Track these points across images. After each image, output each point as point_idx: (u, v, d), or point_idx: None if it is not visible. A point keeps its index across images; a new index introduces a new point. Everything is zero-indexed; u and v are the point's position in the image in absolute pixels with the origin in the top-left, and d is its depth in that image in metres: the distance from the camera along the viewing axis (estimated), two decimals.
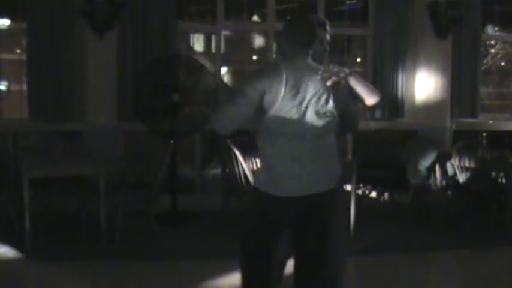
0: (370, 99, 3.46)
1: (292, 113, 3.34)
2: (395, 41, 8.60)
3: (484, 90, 9.58)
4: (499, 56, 13.26)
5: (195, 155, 8.42)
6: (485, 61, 10.42)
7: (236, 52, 10.93)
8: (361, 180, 7.14)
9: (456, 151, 7.42)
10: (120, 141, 7.88)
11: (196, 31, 9.40)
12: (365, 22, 8.98)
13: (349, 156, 8.37)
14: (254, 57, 16.94)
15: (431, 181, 7.46)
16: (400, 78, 8.66)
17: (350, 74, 3.37)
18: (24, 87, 8.08)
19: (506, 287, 5.56)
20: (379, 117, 8.67)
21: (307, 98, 3.36)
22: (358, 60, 9.81)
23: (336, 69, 3.33)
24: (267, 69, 3.59)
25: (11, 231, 6.46)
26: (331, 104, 3.42)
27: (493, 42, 11.10)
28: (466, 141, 7.66)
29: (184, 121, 7.41)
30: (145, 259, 5.98)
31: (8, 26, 8.44)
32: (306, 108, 3.36)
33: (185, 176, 8.26)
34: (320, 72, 3.33)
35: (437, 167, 7.38)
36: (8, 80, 8.94)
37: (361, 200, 7.24)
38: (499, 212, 7.29)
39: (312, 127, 3.37)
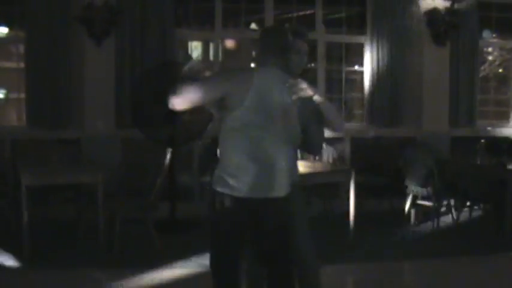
0: (338, 127, 3.67)
1: (255, 120, 3.44)
2: (393, 48, 8.61)
3: (481, 97, 9.57)
4: (496, 62, 13.28)
5: (193, 162, 8.40)
6: (482, 68, 10.42)
7: (234, 59, 10.89)
8: (360, 186, 7.10)
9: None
10: (118, 149, 7.89)
11: (194, 38, 9.40)
12: (363, 30, 8.99)
13: (348, 163, 8.38)
14: (252, 65, 16.89)
15: (429, 187, 7.44)
16: (399, 85, 8.66)
17: (316, 94, 3.52)
18: (22, 95, 8.08)
19: None
20: (378, 124, 8.67)
21: (272, 107, 3.46)
22: (356, 68, 9.80)
23: (303, 86, 3.46)
24: (236, 74, 3.62)
25: (9, 239, 6.44)
26: (294, 116, 3.54)
27: (490, 49, 11.11)
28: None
29: (183, 128, 7.39)
30: (144, 266, 5.96)
31: (6, 34, 8.44)
32: (269, 117, 3.45)
33: (183, 183, 8.23)
34: (287, 84, 3.45)
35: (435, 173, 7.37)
36: (6, 88, 8.92)
37: (360, 206, 7.20)
38: (497, 218, 7.29)
39: (274, 135, 3.48)
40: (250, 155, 3.44)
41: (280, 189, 3.54)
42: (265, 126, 3.46)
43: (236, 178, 3.44)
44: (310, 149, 3.88)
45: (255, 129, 3.46)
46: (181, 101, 3.59)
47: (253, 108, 3.43)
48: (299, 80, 3.51)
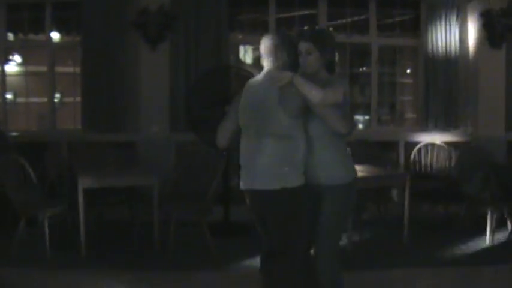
0: (314, 97, 3.79)
1: (243, 120, 4.08)
2: (448, 51, 8.49)
3: None
4: None
5: None
6: None
7: None
8: (415, 191, 7.02)
9: None
10: (173, 152, 7.95)
11: (247, 43, 9.42)
12: (417, 32, 8.90)
13: (402, 169, 8.31)
14: None
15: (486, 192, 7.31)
16: (453, 89, 8.54)
17: (292, 77, 3.82)
18: (77, 98, 8.20)
19: None
20: (433, 128, 8.57)
21: (255, 105, 3.95)
22: (408, 71, 9.71)
23: (278, 74, 3.87)
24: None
25: (66, 240, 6.54)
26: (280, 106, 3.85)
27: None
28: None
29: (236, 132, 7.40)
30: (199, 269, 5.99)
31: (62, 39, 8.58)
32: (252, 114, 3.99)
33: (237, 186, 8.22)
34: (267, 78, 3.94)
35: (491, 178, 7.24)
36: (62, 92, 9.08)
37: (414, 211, 7.11)
38: None
39: (256, 131, 3.95)
40: (242, 151, 4.12)
41: (264, 182, 3.92)
42: (248, 124, 4.02)
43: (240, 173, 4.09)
44: (334, 129, 3.94)
45: (244, 128, 4.10)
46: (221, 137, 4.52)
47: (242, 109, 4.09)
48: (281, 72, 3.90)
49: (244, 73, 7.77)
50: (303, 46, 3.99)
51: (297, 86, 3.80)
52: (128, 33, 7.87)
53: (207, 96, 7.40)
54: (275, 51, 4.00)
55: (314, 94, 3.77)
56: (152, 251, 6.35)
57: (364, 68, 9.83)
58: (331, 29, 9.06)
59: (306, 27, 4.66)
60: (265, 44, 4.08)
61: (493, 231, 7.02)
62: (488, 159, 7.44)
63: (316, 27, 4.33)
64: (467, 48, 8.51)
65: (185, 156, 7.62)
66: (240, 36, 8.74)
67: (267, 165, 3.90)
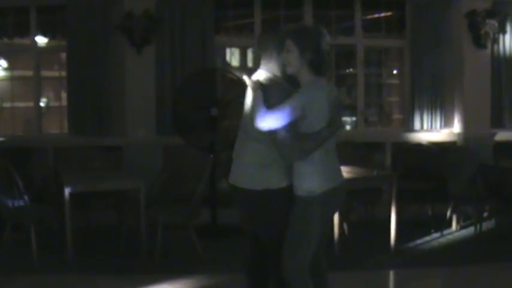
0: (256, 120, 3.69)
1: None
2: (433, 52, 8.52)
3: None
4: None
5: None
6: None
7: None
8: (401, 192, 7.03)
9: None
10: (159, 156, 7.94)
11: (233, 45, 9.43)
12: (402, 33, 8.92)
13: (389, 169, 8.33)
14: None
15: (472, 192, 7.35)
16: (439, 89, 8.58)
17: (251, 84, 3.81)
18: (64, 103, 8.19)
19: None
20: (419, 128, 8.61)
21: (246, 109, 3.92)
22: (395, 72, 9.74)
23: (251, 77, 3.86)
24: None
25: (53, 245, 6.52)
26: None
27: None
28: None
29: (223, 135, 7.41)
30: (186, 273, 5.98)
31: (48, 43, 8.55)
32: (243, 118, 3.98)
33: (224, 189, 8.23)
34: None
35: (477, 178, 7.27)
36: (48, 96, 9.05)
37: (402, 211, 7.13)
38: None
39: (242, 133, 4.00)
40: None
41: (241, 180, 3.92)
42: (241, 127, 4.01)
43: None
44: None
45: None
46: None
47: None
48: (255, 75, 3.91)
49: (230, 76, 7.78)
50: (285, 43, 3.84)
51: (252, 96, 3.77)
52: (113, 37, 7.87)
53: (193, 99, 7.40)
54: (269, 51, 3.93)
55: (257, 116, 3.69)
56: (139, 254, 6.32)
57: (350, 70, 9.85)
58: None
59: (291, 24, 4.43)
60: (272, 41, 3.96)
61: (479, 230, 7.07)
62: (475, 159, 7.46)
63: (300, 24, 4.13)
64: (453, 48, 8.54)
65: (172, 159, 7.61)
66: (226, 39, 8.73)
67: (246, 165, 3.91)
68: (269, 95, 3.72)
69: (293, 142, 3.70)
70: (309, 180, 3.78)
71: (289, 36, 3.82)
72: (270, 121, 3.65)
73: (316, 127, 3.70)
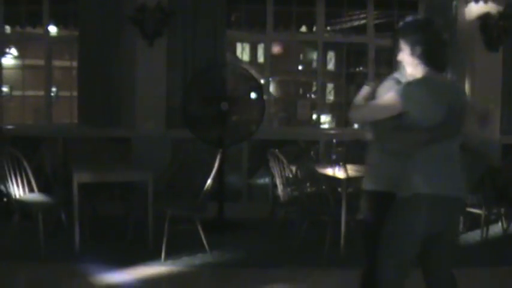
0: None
1: None
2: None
3: None
4: None
5: (242, 163, 8.43)
6: None
7: (282, 62, 10.93)
8: None
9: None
10: (168, 149, 7.95)
11: (244, 40, 9.44)
12: None
13: None
14: (300, 68, 16.88)
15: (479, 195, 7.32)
16: None
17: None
18: (74, 93, 8.20)
19: None
20: None
21: None
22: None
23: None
24: None
25: (60, 234, 6.54)
26: None
27: None
28: None
29: (232, 129, 7.43)
30: (192, 265, 6.01)
31: (60, 32, 8.57)
32: None
33: (232, 184, 8.27)
34: None
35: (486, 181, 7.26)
36: (58, 86, 9.07)
37: None
38: None
39: None
40: None
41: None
42: None
43: None
44: None
45: None
46: None
47: None
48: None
49: (240, 71, 7.79)
50: (399, 43, 3.61)
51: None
52: (125, 28, 7.87)
53: (203, 93, 7.42)
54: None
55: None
56: (146, 246, 6.34)
57: (360, 68, 9.85)
58: (328, 28, 9.08)
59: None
60: None
61: (485, 234, 7.06)
62: (483, 162, 7.45)
63: (408, 18, 3.57)
64: (465, 50, 8.52)
65: (180, 152, 7.62)
66: (237, 33, 8.74)
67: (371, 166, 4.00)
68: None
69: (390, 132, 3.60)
70: (409, 180, 3.51)
71: (399, 34, 3.61)
72: (357, 113, 3.81)
73: (422, 125, 3.45)
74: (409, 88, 3.46)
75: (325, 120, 15.11)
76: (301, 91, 19.64)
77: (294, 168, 6.70)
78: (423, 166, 3.49)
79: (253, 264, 6.20)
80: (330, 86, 18.80)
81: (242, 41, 9.50)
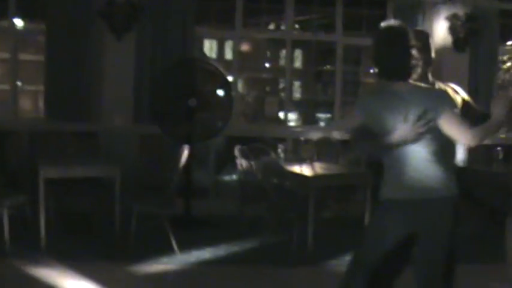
0: None
1: None
2: None
3: None
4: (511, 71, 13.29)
5: (209, 160, 8.42)
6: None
7: (249, 60, 10.93)
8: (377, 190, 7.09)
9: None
10: (136, 144, 7.90)
11: (212, 37, 9.43)
12: None
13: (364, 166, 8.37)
14: (267, 65, 16.89)
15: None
16: None
17: None
18: (40, 87, 8.11)
19: None
20: None
21: None
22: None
23: None
24: None
25: (26, 231, 6.47)
26: None
27: (505, 57, 11.10)
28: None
29: (200, 126, 7.41)
30: (159, 263, 5.99)
31: (26, 26, 8.46)
32: None
33: (199, 181, 8.26)
34: None
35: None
36: (24, 80, 8.96)
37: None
38: None
39: None
40: None
41: None
42: None
43: None
44: None
45: None
46: None
47: None
48: None
49: (209, 67, 7.78)
50: None
51: None
52: (93, 22, 7.79)
53: (172, 89, 7.39)
54: None
55: None
56: (113, 242, 6.31)
57: (328, 66, 9.90)
58: (296, 26, 9.10)
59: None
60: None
61: None
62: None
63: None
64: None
65: (148, 148, 7.58)
66: (206, 30, 8.72)
67: None
68: None
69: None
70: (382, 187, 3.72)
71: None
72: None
73: (377, 131, 3.60)
74: (360, 97, 3.69)
75: (292, 117, 15.17)
76: (268, 88, 19.70)
77: (261, 165, 6.72)
78: (386, 171, 3.65)
79: (221, 262, 6.19)
80: (296, 84, 18.91)
81: (211, 37, 9.47)
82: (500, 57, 10.32)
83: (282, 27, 8.92)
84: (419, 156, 3.53)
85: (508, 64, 12.63)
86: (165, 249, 6.29)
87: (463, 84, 8.47)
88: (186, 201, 7.46)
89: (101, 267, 5.75)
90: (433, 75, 4.06)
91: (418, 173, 3.53)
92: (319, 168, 6.71)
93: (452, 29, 8.45)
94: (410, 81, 3.55)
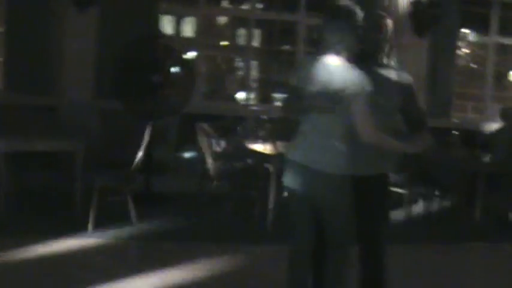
0: None
1: None
2: None
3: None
4: (469, 57, 13.51)
5: (170, 136, 8.39)
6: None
7: (210, 37, 10.87)
8: None
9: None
10: (97, 119, 7.81)
11: (175, 13, 9.37)
12: None
13: None
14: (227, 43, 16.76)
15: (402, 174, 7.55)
16: None
17: None
18: (0, 58, 7.99)
19: (473, 282, 5.70)
20: None
21: None
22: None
23: None
24: None
25: None
26: None
27: (463, 44, 11.26)
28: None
29: (163, 102, 7.38)
30: (119, 238, 5.99)
31: None
32: None
33: (160, 157, 8.21)
34: None
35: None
36: None
37: None
38: (467, 208, 7.49)
39: None
40: None
41: None
42: None
43: None
44: None
45: None
46: None
47: None
48: None
49: (172, 44, 7.75)
50: None
51: None
52: None
53: (135, 65, 7.32)
54: None
55: None
56: (73, 218, 6.27)
57: (287, 47, 9.93)
58: (261, 5, 9.10)
59: None
60: None
61: (409, 213, 7.29)
62: None
63: None
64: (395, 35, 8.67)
65: (110, 123, 7.53)
66: (170, 6, 8.66)
67: None
68: None
69: None
70: None
71: None
72: None
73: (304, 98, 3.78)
74: (297, 66, 4.06)
75: (252, 96, 15.15)
76: (229, 67, 19.63)
77: (222, 143, 6.75)
78: (297, 136, 3.82)
79: (180, 238, 6.20)
80: (254, 63, 18.87)
81: (174, 14, 9.39)
82: (459, 44, 10.49)
83: (244, 7, 8.90)
84: (333, 129, 3.68)
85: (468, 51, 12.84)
86: (125, 225, 6.29)
87: (422, 69, 8.70)
88: (146, 178, 7.43)
89: (62, 242, 5.71)
90: (394, 60, 4.05)
91: (328, 144, 3.69)
92: (280, 146, 6.76)
93: (414, 14, 8.54)
94: (346, 59, 3.68)
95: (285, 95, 4.04)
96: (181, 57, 7.60)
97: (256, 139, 7.20)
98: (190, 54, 7.82)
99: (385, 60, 3.99)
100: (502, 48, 10.63)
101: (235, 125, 8.06)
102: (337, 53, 3.67)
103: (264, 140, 7.01)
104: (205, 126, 6.98)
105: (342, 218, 3.78)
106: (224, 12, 9.14)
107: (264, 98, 14.29)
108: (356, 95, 3.56)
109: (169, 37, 8.97)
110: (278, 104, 9.41)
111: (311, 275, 4.00)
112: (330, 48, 3.68)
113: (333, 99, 3.61)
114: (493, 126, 8.63)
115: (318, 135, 3.70)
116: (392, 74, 3.90)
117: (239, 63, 19.46)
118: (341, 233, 3.81)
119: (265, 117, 8.22)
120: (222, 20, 11.11)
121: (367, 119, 3.59)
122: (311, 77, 3.69)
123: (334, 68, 3.66)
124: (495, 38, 9.69)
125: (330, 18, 3.71)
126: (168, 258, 5.59)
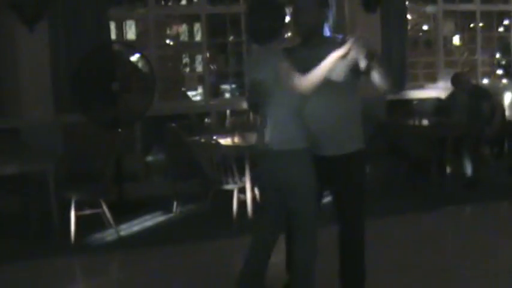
0: None
1: None
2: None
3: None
4: (417, 27, 13.73)
5: (136, 142, 8.33)
6: None
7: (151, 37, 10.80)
8: None
9: None
10: (60, 135, 7.67)
11: (128, 18, 9.30)
12: None
13: None
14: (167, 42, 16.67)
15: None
16: None
17: None
18: None
19: (442, 248, 5.82)
20: None
21: None
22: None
23: None
24: None
25: None
26: None
27: (409, 15, 11.40)
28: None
29: (126, 109, 7.32)
30: (101, 249, 5.98)
31: None
32: None
33: (129, 164, 8.15)
34: None
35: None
36: None
37: None
38: (437, 175, 7.62)
39: None
40: None
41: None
42: None
43: None
44: None
45: None
46: None
47: None
48: None
49: (127, 49, 7.69)
50: None
51: None
52: (2, 14, 7.51)
53: (92, 75, 7.25)
54: None
55: None
56: (52, 237, 6.19)
57: (232, 38, 9.95)
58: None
59: None
60: None
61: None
62: (372, 119, 7.77)
63: None
64: (343, 12, 8.75)
65: (75, 138, 7.44)
66: (121, 12, 8.57)
67: None
68: None
69: None
70: None
71: None
72: None
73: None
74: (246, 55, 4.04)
75: (204, 91, 15.18)
76: (171, 64, 19.60)
77: (192, 141, 6.75)
78: (261, 124, 4.01)
79: (161, 242, 6.21)
80: (199, 57, 18.84)
81: (126, 18, 9.33)
82: (409, 17, 10.62)
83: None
84: (279, 113, 3.82)
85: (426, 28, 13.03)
86: (106, 236, 6.26)
87: (377, 45, 8.76)
88: (118, 187, 7.38)
89: (44, 263, 5.65)
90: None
91: (279, 125, 3.82)
92: (248, 137, 6.77)
93: None
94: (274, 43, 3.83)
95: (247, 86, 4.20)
96: (138, 61, 7.54)
97: (223, 133, 7.20)
98: (141, 56, 7.67)
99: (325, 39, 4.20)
100: (448, 15, 10.85)
101: (200, 122, 8.05)
102: (266, 40, 3.81)
103: (233, 133, 7.00)
104: (174, 126, 6.99)
105: (303, 195, 3.86)
106: (175, 10, 9.03)
107: (211, 92, 14.33)
108: (275, 67, 3.71)
109: (124, 42, 8.85)
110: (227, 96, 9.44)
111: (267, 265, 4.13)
112: (259, 37, 3.82)
113: (268, 84, 3.79)
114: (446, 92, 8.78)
115: (274, 118, 3.84)
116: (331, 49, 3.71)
117: (187, 59, 19.53)
118: (303, 212, 3.89)
119: (228, 111, 8.23)
120: (169, 18, 11.01)
121: (290, 73, 3.67)
122: (253, 66, 3.97)
123: (264, 57, 3.84)
124: (443, 5, 9.83)
125: (257, 3, 3.87)
126: (153, 263, 5.58)
